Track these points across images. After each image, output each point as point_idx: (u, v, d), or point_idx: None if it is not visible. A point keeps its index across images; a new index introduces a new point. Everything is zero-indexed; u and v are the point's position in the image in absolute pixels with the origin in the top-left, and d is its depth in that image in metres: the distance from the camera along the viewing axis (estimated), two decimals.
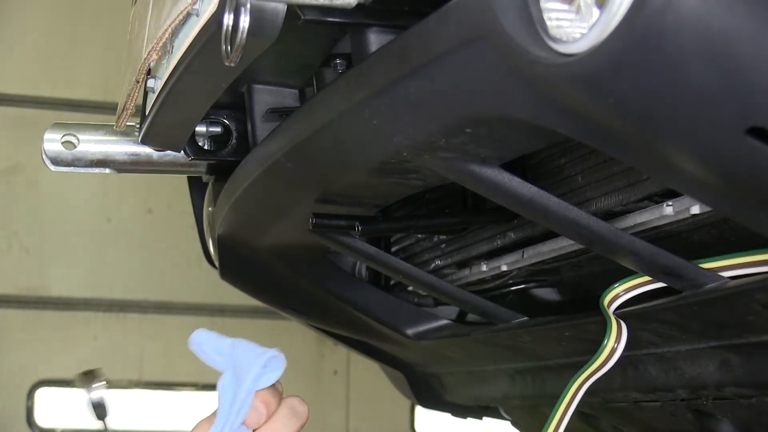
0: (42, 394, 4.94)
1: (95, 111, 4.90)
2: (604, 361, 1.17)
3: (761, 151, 0.70)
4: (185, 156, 1.58)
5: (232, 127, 1.59)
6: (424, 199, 1.61)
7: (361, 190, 1.23)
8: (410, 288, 1.79)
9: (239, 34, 0.93)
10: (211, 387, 4.90)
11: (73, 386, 3.53)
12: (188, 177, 2.03)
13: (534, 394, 1.69)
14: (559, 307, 1.58)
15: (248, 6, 0.92)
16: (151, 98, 1.41)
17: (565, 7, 0.73)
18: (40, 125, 1.80)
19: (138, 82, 1.37)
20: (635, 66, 0.69)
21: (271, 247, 1.60)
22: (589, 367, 1.18)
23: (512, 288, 1.61)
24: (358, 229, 1.30)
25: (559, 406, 1.22)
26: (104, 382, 3.35)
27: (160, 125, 1.44)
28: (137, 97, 1.42)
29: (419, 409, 5.23)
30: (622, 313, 1.17)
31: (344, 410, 5.27)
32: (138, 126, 1.56)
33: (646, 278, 1.13)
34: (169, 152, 1.64)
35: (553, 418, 1.22)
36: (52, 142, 1.64)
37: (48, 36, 5.09)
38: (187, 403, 5.08)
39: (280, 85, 1.45)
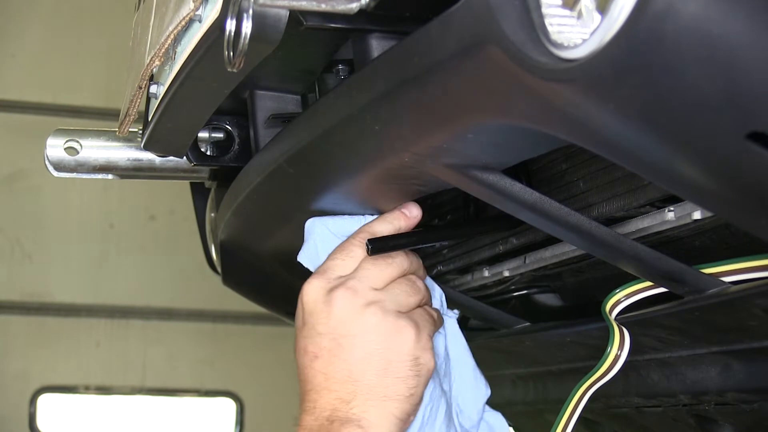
0: (44, 401, 4.94)
1: (98, 117, 4.91)
2: (607, 368, 1.17)
3: (761, 156, 0.70)
4: (188, 162, 1.58)
5: (235, 133, 1.59)
6: (425, 204, 1.61)
7: (363, 195, 1.24)
8: None
9: (242, 40, 0.93)
10: (213, 393, 4.91)
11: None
12: (191, 183, 2.03)
13: (537, 400, 1.69)
14: (562, 312, 1.58)
15: (251, 12, 0.93)
16: (154, 104, 1.42)
17: (567, 12, 0.73)
18: (42, 131, 1.80)
19: (140, 88, 1.37)
20: (636, 71, 0.69)
21: (274, 253, 1.60)
22: (592, 374, 1.18)
23: (514, 293, 1.61)
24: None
25: (563, 415, 1.22)
26: None
27: (163, 131, 1.45)
28: (140, 103, 1.42)
29: None
30: (623, 318, 1.17)
31: None
32: (140, 132, 1.56)
33: (648, 283, 1.13)
34: (171, 158, 1.64)
35: (557, 426, 1.22)
36: (55, 148, 1.64)
37: (50, 42, 5.10)
38: (189, 410, 5.07)
39: (283, 91, 1.45)
